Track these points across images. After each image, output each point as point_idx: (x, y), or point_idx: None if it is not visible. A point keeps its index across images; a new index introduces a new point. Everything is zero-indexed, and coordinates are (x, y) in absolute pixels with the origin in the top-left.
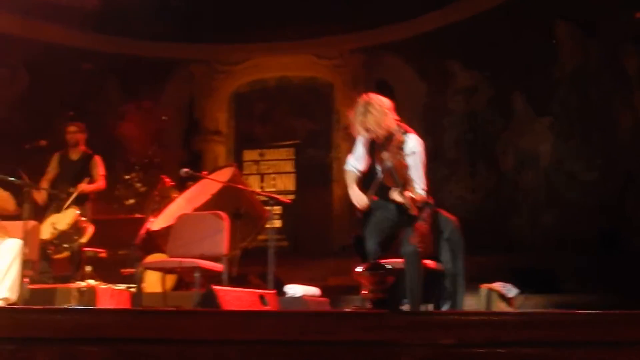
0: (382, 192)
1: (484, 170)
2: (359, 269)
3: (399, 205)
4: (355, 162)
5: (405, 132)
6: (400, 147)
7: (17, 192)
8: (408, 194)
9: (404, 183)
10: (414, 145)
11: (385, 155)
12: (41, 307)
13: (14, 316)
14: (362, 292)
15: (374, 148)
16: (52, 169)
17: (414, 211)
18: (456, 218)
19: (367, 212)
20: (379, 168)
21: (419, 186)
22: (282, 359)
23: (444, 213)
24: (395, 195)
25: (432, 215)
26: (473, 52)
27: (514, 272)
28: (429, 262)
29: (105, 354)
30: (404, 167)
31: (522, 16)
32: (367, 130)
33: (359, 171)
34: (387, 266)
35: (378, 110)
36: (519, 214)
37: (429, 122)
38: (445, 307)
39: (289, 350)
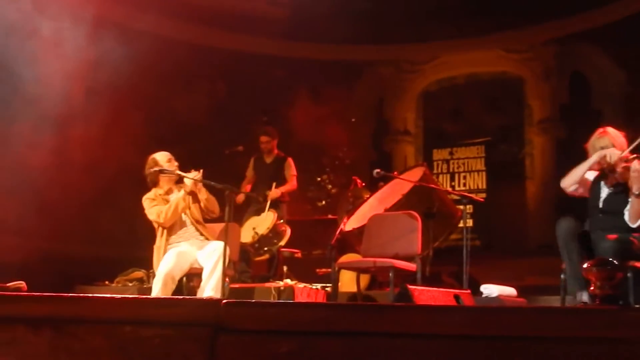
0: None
1: None
2: (586, 264)
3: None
4: None
5: None
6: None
7: (220, 195)
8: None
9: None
10: None
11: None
12: (281, 301)
13: (261, 310)
14: (590, 288)
15: (604, 176)
16: (250, 172)
17: None
18: None
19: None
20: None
21: None
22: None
23: None
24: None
25: None
26: None
27: None
28: (636, 262)
29: (339, 346)
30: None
31: None
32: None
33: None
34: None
35: (615, 136)
36: None
37: (631, 114)
38: None
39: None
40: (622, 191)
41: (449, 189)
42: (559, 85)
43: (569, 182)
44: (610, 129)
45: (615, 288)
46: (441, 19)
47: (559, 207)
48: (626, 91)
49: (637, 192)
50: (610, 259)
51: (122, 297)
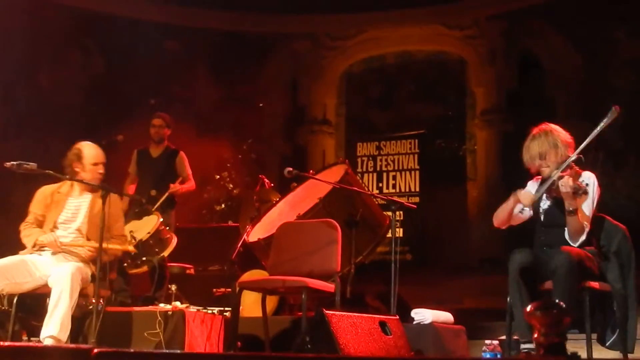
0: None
1: None
2: (529, 307)
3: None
4: None
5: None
6: (576, 176)
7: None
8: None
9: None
10: (590, 180)
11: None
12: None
13: None
14: (534, 336)
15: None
16: (133, 169)
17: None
18: (626, 227)
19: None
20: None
21: (587, 212)
22: None
23: (611, 220)
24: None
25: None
26: None
27: None
28: (593, 282)
29: None
30: (578, 175)
31: None
32: (540, 156)
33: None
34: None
35: (556, 137)
36: None
37: (587, 103)
38: (612, 338)
39: None
40: (563, 202)
41: (376, 191)
42: (507, 68)
43: (498, 222)
44: (551, 126)
45: (562, 335)
46: None
47: None
48: (582, 78)
49: (569, 209)
50: (557, 301)
51: None
